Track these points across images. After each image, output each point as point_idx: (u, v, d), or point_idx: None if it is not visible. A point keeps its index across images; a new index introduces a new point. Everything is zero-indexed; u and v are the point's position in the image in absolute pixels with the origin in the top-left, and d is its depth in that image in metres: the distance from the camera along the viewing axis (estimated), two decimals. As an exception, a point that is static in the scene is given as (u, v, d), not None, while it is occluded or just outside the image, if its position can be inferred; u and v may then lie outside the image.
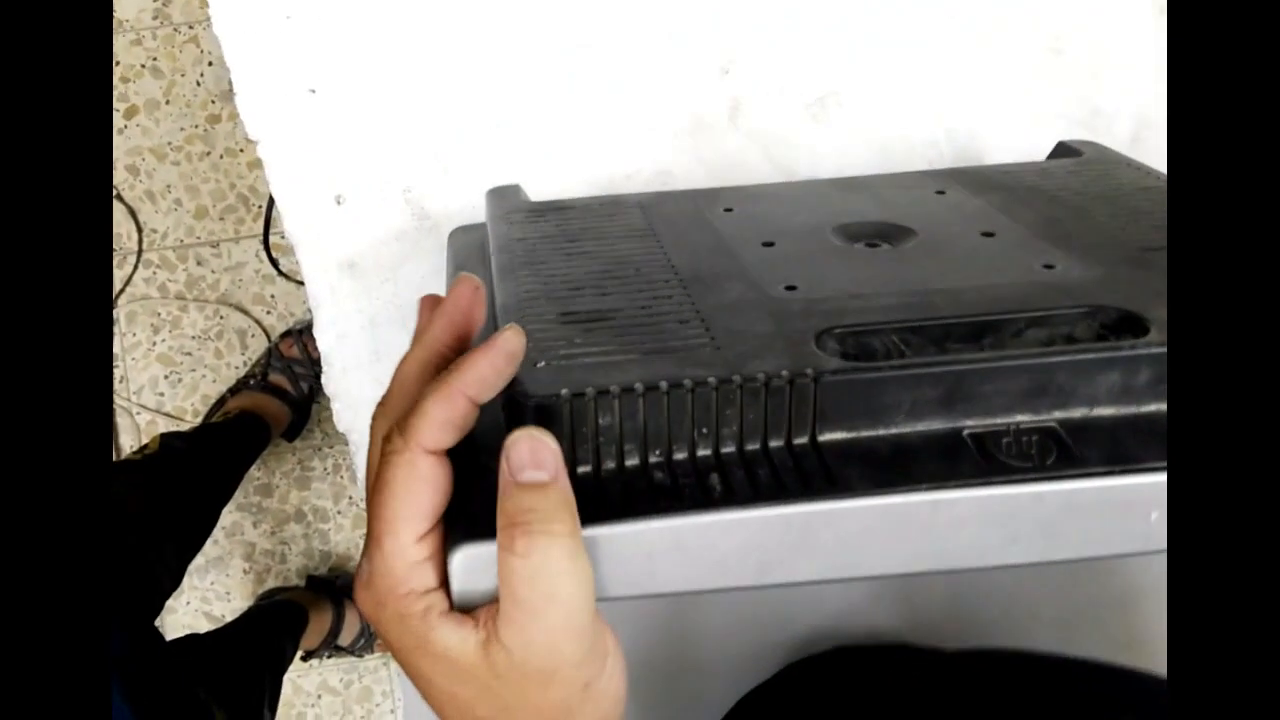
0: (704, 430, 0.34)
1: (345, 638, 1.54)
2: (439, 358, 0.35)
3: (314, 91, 0.58)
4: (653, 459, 0.34)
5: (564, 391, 0.33)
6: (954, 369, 0.34)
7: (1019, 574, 0.67)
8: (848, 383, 0.34)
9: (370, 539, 0.33)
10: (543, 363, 0.35)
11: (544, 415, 0.33)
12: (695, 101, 0.61)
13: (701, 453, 0.34)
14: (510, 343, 0.33)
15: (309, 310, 1.56)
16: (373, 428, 0.35)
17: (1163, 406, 0.34)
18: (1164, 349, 0.34)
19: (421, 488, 0.32)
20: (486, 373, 0.32)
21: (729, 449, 0.34)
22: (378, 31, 0.58)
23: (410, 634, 0.33)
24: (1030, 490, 0.33)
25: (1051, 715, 0.50)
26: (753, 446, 0.34)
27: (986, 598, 0.67)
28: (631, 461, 0.34)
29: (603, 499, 0.32)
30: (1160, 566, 0.70)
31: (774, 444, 0.34)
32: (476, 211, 0.57)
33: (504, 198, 0.52)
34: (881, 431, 0.34)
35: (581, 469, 0.34)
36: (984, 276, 0.41)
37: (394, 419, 0.33)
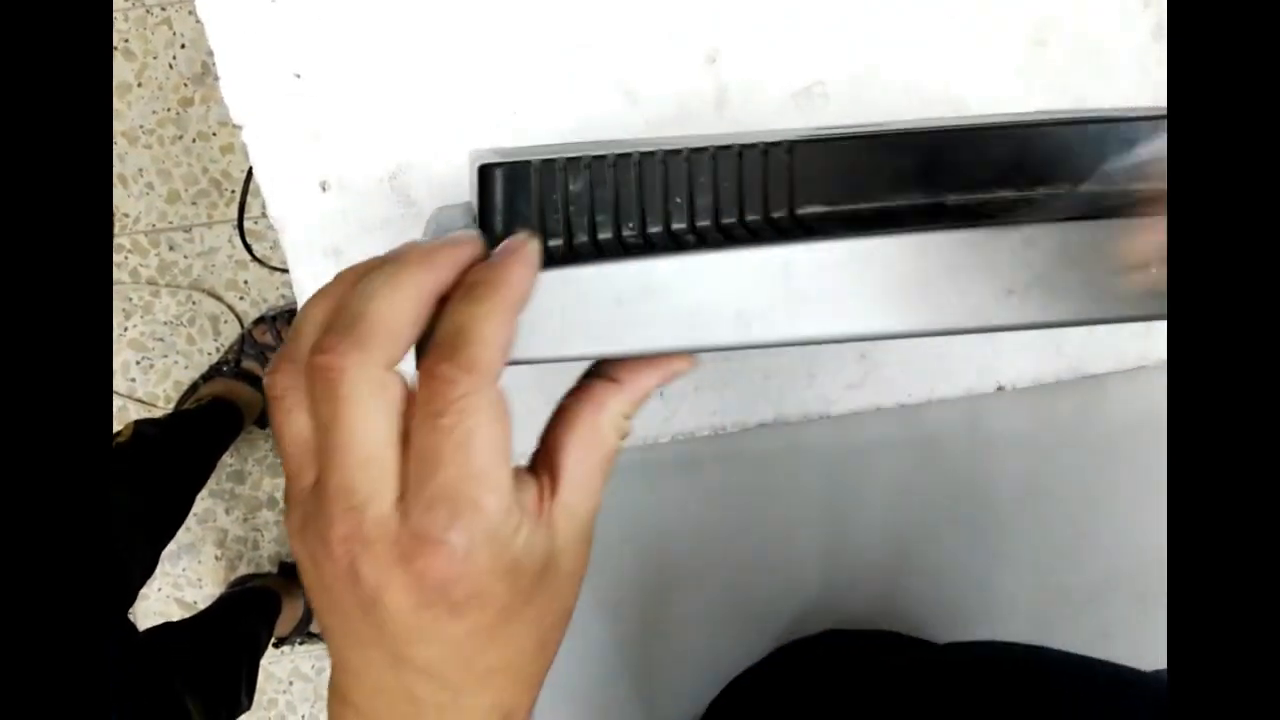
0: (678, 200, 0.33)
1: (318, 624, 1.54)
2: (436, 295, 0.30)
3: (299, 76, 0.57)
4: (626, 232, 0.33)
5: (534, 159, 0.32)
6: (933, 134, 0.33)
7: (999, 562, 0.68)
8: (824, 149, 0.33)
9: (454, 507, 0.28)
10: (513, 158, 0.34)
11: (514, 181, 0.32)
12: (681, 90, 0.61)
13: (676, 225, 0.33)
14: (534, 248, 0.30)
15: (283, 296, 1.54)
16: (343, 378, 0.28)
17: (1149, 185, 0.33)
18: (1145, 120, 0.33)
19: (506, 425, 0.29)
20: (527, 286, 0.30)
21: (704, 223, 0.33)
22: (365, 16, 0.57)
23: (529, 570, 0.30)
24: (1019, 233, 0.31)
25: (1037, 711, 0.51)
26: (729, 220, 0.33)
27: (968, 586, 0.68)
28: (605, 235, 0.33)
29: (574, 259, 0.31)
30: (1136, 558, 0.71)
31: (751, 218, 0.33)
32: (461, 199, 0.56)
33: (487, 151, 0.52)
34: (862, 205, 0.33)
35: (553, 241, 0.32)
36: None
37: (389, 358, 0.28)
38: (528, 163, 0.32)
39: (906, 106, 0.61)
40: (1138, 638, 0.67)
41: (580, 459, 0.32)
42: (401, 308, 0.29)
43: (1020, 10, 0.61)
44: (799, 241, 0.31)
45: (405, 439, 0.28)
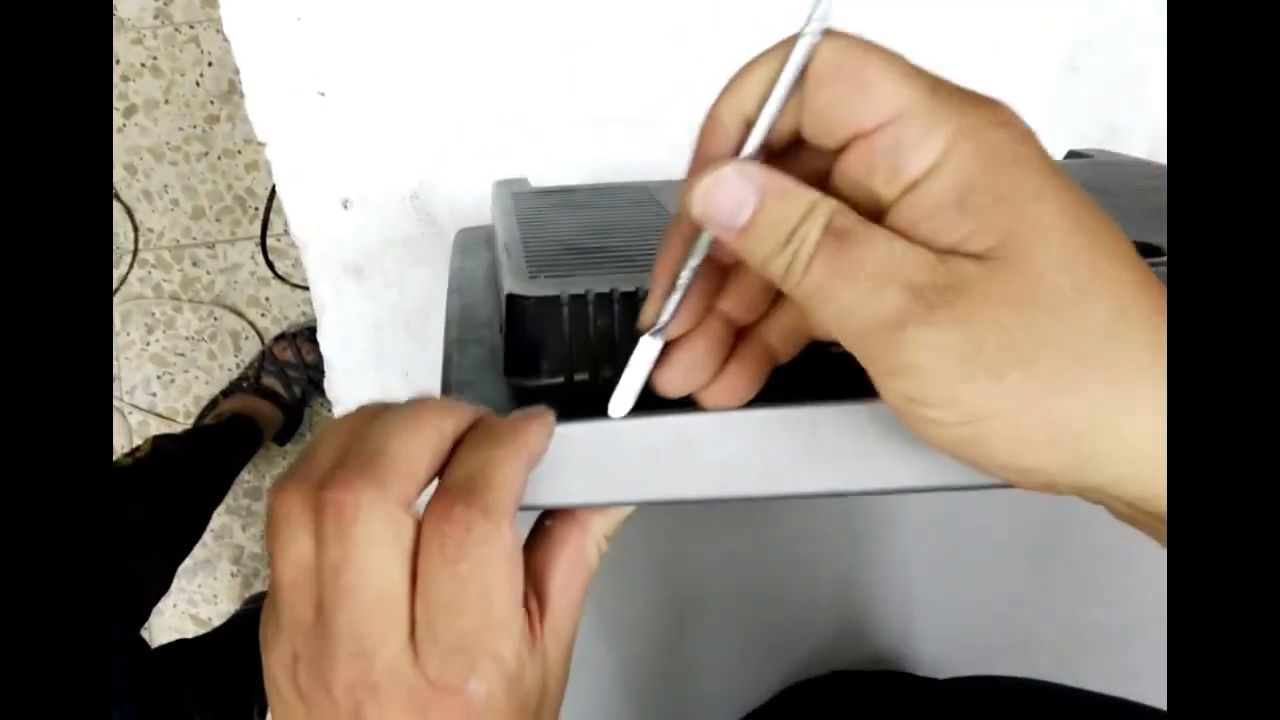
0: None
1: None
2: (453, 439, 0.29)
3: (323, 94, 0.57)
4: None
5: (563, 293, 0.32)
6: None
7: (1024, 600, 0.67)
8: None
9: (473, 657, 0.27)
10: (542, 276, 0.34)
11: (544, 314, 0.32)
12: (700, 99, 0.60)
13: None
14: (550, 419, 0.30)
15: (303, 314, 1.55)
16: (359, 515, 0.27)
17: None
18: None
19: (520, 569, 0.28)
20: (543, 443, 0.29)
21: None
22: (388, 35, 0.57)
23: (532, 703, 0.30)
24: None
25: None
26: None
27: (991, 624, 0.67)
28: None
29: (602, 401, 0.31)
30: (1165, 597, 0.69)
31: None
32: (483, 218, 0.56)
33: (510, 185, 0.52)
34: None
35: (579, 376, 0.32)
36: None
37: (405, 497, 0.27)
38: (557, 297, 0.32)
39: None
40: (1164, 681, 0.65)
41: (566, 583, 0.31)
42: (421, 447, 0.28)
43: (1052, 37, 0.60)
44: (827, 403, 0.31)
45: (413, 579, 0.27)
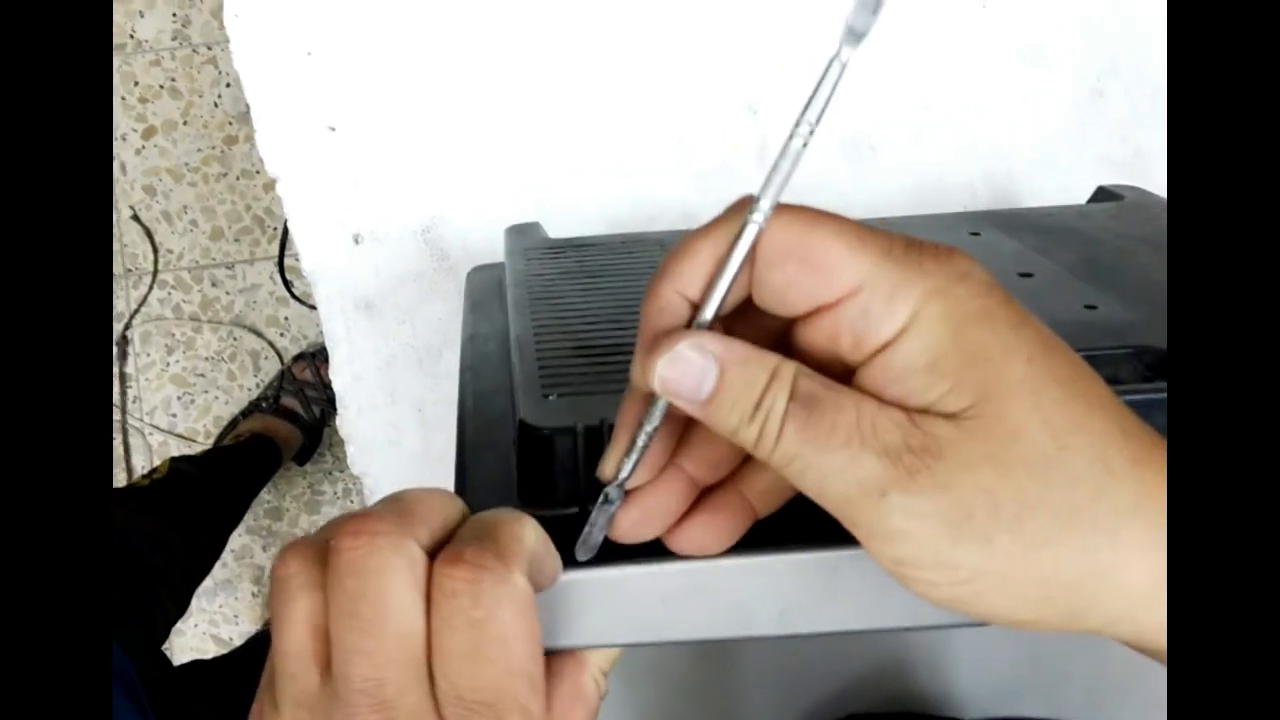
0: None
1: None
2: (460, 515, 0.29)
3: (334, 129, 0.56)
4: None
5: (578, 423, 0.31)
6: None
7: (1048, 639, 0.65)
8: None
9: (498, 709, 0.26)
10: (554, 395, 0.33)
11: (558, 445, 0.31)
12: (722, 141, 0.59)
13: None
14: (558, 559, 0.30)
15: (322, 333, 1.56)
16: (377, 544, 0.26)
17: None
18: None
19: (536, 619, 0.26)
20: (551, 562, 0.29)
21: None
22: (398, 69, 0.56)
23: None
24: None
25: None
26: None
27: (1014, 662, 0.65)
28: None
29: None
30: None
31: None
32: (496, 253, 0.55)
33: (523, 234, 0.51)
34: None
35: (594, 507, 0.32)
36: None
37: (423, 540, 0.27)
38: (572, 428, 0.31)
39: (957, 157, 0.59)
40: None
41: (563, 717, 0.31)
42: (440, 503, 0.28)
43: (1078, 61, 0.59)
44: (847, 547, 0.30)
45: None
